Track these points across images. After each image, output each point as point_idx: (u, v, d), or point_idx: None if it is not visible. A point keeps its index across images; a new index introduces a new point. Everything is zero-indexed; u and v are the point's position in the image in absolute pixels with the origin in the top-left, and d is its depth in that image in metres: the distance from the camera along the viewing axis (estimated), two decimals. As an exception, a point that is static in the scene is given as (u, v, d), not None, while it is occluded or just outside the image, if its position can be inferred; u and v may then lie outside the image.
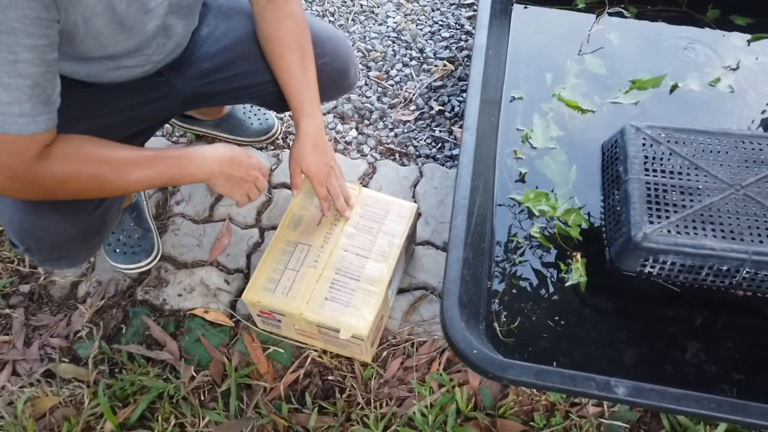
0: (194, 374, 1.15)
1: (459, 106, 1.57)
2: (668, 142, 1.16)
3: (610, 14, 1.55)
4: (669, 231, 1.05)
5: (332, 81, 1.15)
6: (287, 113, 1.57)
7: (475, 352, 0.85)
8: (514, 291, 1.11)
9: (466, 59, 1.67)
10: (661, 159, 1.14)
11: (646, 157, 1.15)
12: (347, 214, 1.14)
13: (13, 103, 0.71)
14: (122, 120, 0.99)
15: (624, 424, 1.06)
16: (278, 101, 1.12)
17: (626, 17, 1.55)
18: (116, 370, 1.17)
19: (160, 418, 1.08)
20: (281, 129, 1.53)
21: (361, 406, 1.11)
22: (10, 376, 1.17)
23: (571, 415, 1.08)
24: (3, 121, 0.71)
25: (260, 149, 1.50)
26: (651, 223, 1.07)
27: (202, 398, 1.13)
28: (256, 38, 1.07)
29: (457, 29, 1.75)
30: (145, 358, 1.17)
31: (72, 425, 1.08)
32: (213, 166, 0.94)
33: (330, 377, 1.15)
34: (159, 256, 1.30)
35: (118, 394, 1.12)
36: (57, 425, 1.09)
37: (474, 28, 1.70)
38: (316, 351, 1.17)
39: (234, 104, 1.32)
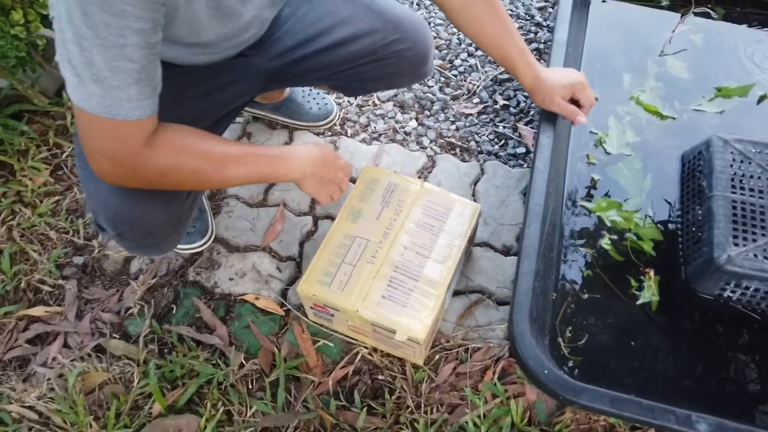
0: (243, 362, 1.13)
1: (525, 101, 1.50)
2: (760, 158, 1.08)
3: (695, 14, 1.45)
4: (755, 255, 0.98)
5: (411, 67, 1.12)
6: (347, 99, 1.53)
7: (546, 372, 0.80)
8: (580, 305, 1.06)
9: (534, 52, 1.59)
10: (751, 176, 1.07)
11: (734, 173, 1.07)
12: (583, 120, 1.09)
13: (121, 87, 0.70)
14: (208, 105, 0.97)
15: (687, 454, 1.01)
16: (352, 83, 1.11)
17: (713, 18, 1.45)
18: (165, 350, 1.16)
19: (208, 403, 1.07)
20: (339, 115, 1.49)
21: (410, 409, 1.07)
22: (62, 348, 1.17)
23: (631, 439, 1.03)
24: (110, 106, 0.70)
25: (318, 134, 1.46)
26: (736, 245, 1.00)
27: (250, 387, 1.11)
28: (333, 16, 1.05)
29: (527, 20, 1.67)
30: (194, 340, 1.16)
31: (121, 403, 1.08)
32: (306, 167, 0.94)
33: (380, 377, 1.12)
34: (212, 238, 1.28)
35: (167, 376, 1.11)
36: (106, 402, 1.09)
37: (545, 19, 1.63)
38: (366, 348, 1.14)
39: (309, 85, 1.29)
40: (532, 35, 1.63)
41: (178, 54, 0.89)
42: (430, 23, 1.68)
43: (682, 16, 1.45)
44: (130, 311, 1.21)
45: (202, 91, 0.95)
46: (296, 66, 1.07)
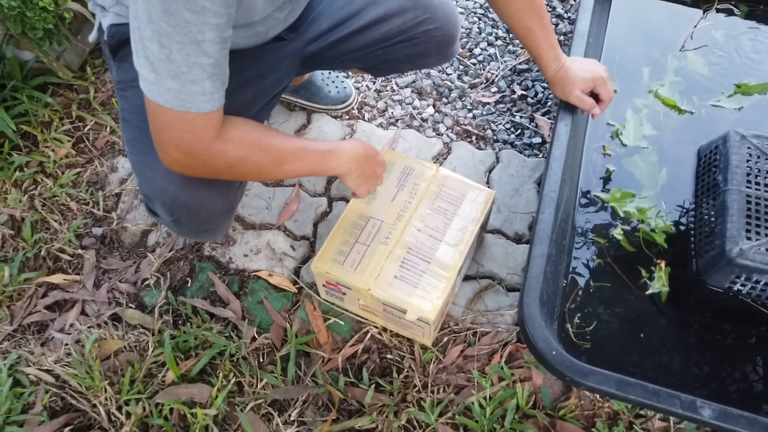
0: (255, 335, 1.15)
1: (543, 92, 1.50)
2: (776, 154, 1.09)
3: (718, 10, 1.45)
4: (767, 250, 0.99)
5: (440, 47, 1.14)
6: (365, 83, 1.54)
7: (554, 353, 0.82)
8: (590, 293, 1.07)
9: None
10: (767, 172, 1.07)
11: (750, 167, 1.08)
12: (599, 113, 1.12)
13: (197, 82, 0.71)
14: (253, 93, 0.99)
15: (690, 444, 1.02)
16: (381, 64, 1.14)
17: (736, 15, 1.45)
18: (180, 321, 1.19)
19: (220, 374, 1.10)
20: (357, 99, 1.50)
21: (417, 388, 1.09)
22: (79, 315, 1.20)
23: (634, 426, 1.04)
24: (185, 100, 0.72)
25: (335, 118, 1.48)
26: (749, 239, 1.00)
27: (261, 360, 1.13)
28: None
29: (549, 11, 1.66)
30: (208, 313, 1.19)
31: (135, 370, 1.11)
32: (351, 163, 0.96)
33: (389, 356, 1.14)
34: (234, 216, 1.30)
35: (180, 346, 1.14)
36: (121, 368, 1.12)
37: (566, 11, 1.63)
38: (376, 328, 1.16)
39: (341, 68, 1.31)
40: (552, 26, 1.63)
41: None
42: (450, 11, 1.69)
43: (704, 12, 1.44)
44: (146, 282, 1.24)
45: (246, 79, 0.96)
46: (332, 49, 1.09)
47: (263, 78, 1.01)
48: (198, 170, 0.82)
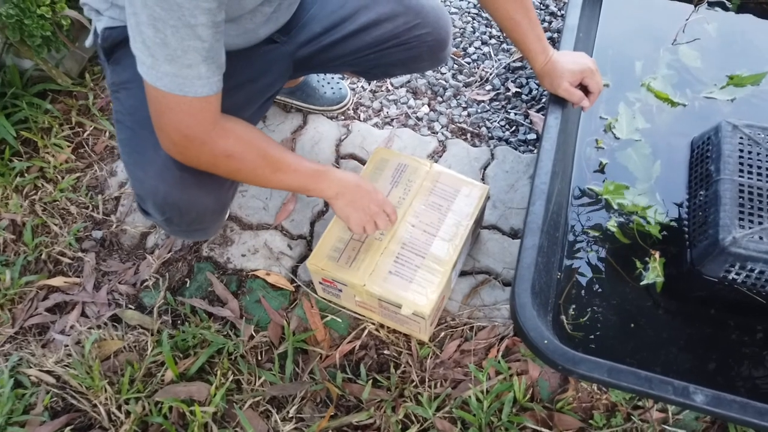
0: (253, 334, 1.16)
1: (537, 89, 1.51)
2: (768, 143, 1.09)
3: (710, 4, 1.45)
4: (761, 237, 0.99)
5: (431, 52, 1.15)
6: (361, 84, 1.55)
7: (545, 342, 0.82)
8: (585, 285, 1.07)
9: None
10: (759, 160, 1.07)
11: (742, 157, 1.08)
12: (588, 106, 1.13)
13: (192, 66, 0.73)
14: (246, 96, 1.00)
15: (688, 434, 1.02)
16: (373, 68, 1.15)
17: (728, 8, 1.45)
18: (179, 321, 1.20)
19: (218, 372, 1.10)
20: (353, 100, 1.51)
21: (415, 383, 1.10)
22: (79, 317, 1.21)
23: (632, 417, 1.04)
24: (183, 84, 0.74)
25: (331, 118, 1.49)
26: (741, 227, 1.00)
27: (259, 358, 1.14)
28: (356, 1, 1.08)
29: (542, 9, 1.68)
30: (207, 312, 1.20)
31: (135, 370, 1.11)
32: (339, 187, 0.97)
33: (386, 352, 1.14)
34: (227, 216, 1.32)
35: (179, 345, 1.15)
36: (120, 368, 1.13)
37: (560, 9, 1.64)
38: (373, 324, 1.16)
39: (333, 71, 1.33)
40: (546, 24, 1.64)
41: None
42: (444, 12, 1.70)
43: (696, 6, 1.45)
44: (145, 284, 1.25)
45: (238, 82, 0.98)
46: (324, 53, 1.10)
47: (255, 81, 1.03)
48: (196, 155, 0.83)
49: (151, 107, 0.79)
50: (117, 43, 0.94)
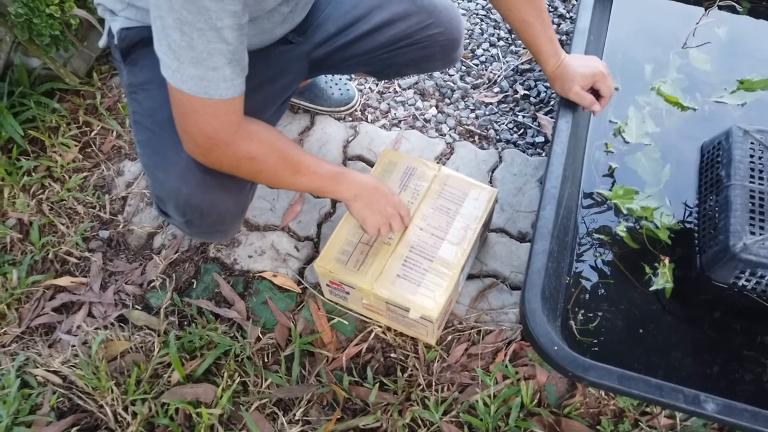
0: (260, 336, 1.16)
1: (545, 92, 1.51)
2: (780, 149, 1.08)
3: (720, 8, 1.44)
4: (772, 244, 0.98)
5: (444, 51, 1.15)
6: (368, 85, 1.55)
7: (555, 348, 0.82)
8: (593, 290, 1.07)
9: (556, 44, 1.59)
10: (770, 166, 1.06)
11: (753, 162, 1.07)
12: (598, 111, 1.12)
13: (218, 69, 0.73)
14: (264, 98, 1.01)
15: (697, 441, 1.01)
16: (386, 68, 1.16)
17: (738, 12, 1.44)
18: (185, 322, 1.20)
19: (225, 374, 1.10)
20: (360, 101, 1.51)
21: (422, 387, 1.09)
22: (86, 317, 1.21)
23: (640, 423, 1.03)
24: (208, 87, 0.74)
25: (339, 120, 1.49)
26: (752, 233, 1.00)
27: (266, 360, 1.14)
28: (369, 0, 1.08)
29: (550, 11, 1.67)
30: (213, 314, 1.20)
31: (141, 371, 1.11)
32: (358, 189, 0.98)
33: (392, 355, 1.14)
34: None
35: (186, 346, 1.14)
36: (127, 369, 1.13)
37: (568, 11, 1.63)
38: (380, 327, 1.16)
39: (347, 72, 1.33)
40: (554, 27, 1.64)
41: None
42: (452, 13, 1.69)
43: (706, 10, 1.44)
44: (152, 284, 1.25)
45: (257, 84, 0.97)
46: (339, 53, 1.10)
47: (273, 82, 1.03)
48: (220, 157, 0.83)
49: (175, 110, 0.79)
50: (134, 44, 0.94)
